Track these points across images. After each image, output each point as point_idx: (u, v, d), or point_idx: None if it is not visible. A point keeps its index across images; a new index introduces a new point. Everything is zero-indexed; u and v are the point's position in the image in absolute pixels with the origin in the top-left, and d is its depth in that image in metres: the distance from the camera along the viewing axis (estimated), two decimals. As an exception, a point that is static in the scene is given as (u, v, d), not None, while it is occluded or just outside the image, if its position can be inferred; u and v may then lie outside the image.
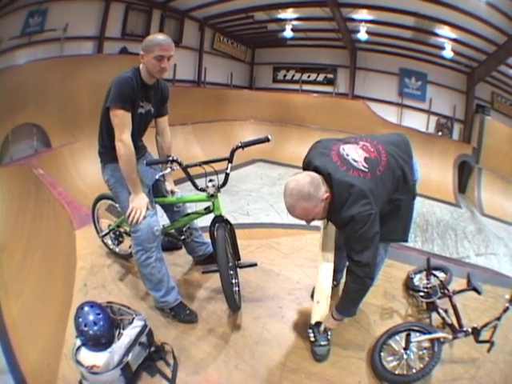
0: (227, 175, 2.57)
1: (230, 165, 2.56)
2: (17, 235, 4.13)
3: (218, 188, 2.56)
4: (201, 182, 2.60)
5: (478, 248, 7.34)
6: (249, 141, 2.59)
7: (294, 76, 14.92)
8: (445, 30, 10.03)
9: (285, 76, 15.17)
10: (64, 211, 3.95)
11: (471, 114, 12.08)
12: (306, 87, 14.27)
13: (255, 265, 2.75)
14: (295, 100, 12.93)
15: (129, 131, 2.39)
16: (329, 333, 2.32)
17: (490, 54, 9.99)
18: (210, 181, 2.54)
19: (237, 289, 2.69)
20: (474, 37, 9.50)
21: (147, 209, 2.48)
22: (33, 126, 7.08)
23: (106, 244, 3.32)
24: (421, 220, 8.06)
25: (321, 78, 14.27)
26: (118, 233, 3.16)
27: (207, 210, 2.66)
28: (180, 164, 2.52)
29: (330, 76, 14.09)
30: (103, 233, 3.22)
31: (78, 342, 2.05)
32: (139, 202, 2.46)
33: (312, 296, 2.74)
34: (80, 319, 2.02)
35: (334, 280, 2.87)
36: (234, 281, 2.65)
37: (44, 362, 2.35)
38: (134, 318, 2.19)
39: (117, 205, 2.83)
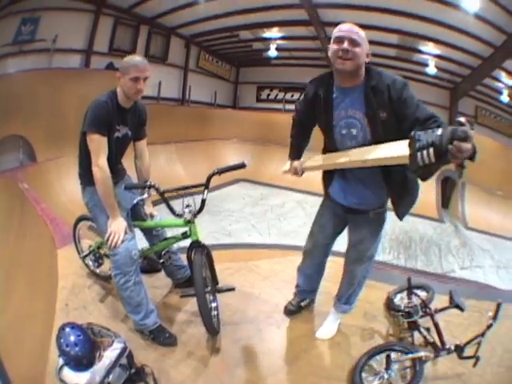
0: (203, 201, 2.58)
1: (206, 191, 2.58)
2: (1, 252, 4.10)
3: (195, 214, 2.58)
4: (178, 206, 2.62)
5: (463, 262, 7.39)
6: (225, 167, 2.62)
7: (277, 95, 15.15)
8: (429, 47, 10.18)
9: (268, 95, 15.38)
10: (47, 229, 3.94)
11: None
12: (289, 107, 14.32)
13: (233, 289, 2.75)
14: (278, 119, 12.79)
15: (105, 156, 2.40)
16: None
17: (475, 67, 10.15)
18: (187, 206, 2.56)
19: (215, 313, 2.69)
20: (459, 51, 9.64)
21: (125, 233, 2.47)
22: (19, 138, 7.01)
23: (86, 265, 3.29)
24: (404, 237, 8.10)
25: (304, 97, 14.52)
26: (98, 255, 3.13)
27: (184, 235, 2.67)
28: (157, 190, 2.55)
29: (314, 95, 14.31)
30: (84, 254, 3.21)
31: (61, 361, 2.04)
32: (117, 226, 2.45)
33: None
34: (62, 340, 2.03)
35: (308, 298, 3.00)
36: (212, 305, 2.65)
37: (30, 378, 2.31)
38: (113, 341, 2.17)
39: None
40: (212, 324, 2.52)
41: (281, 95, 15.04)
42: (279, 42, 12.38)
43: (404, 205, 2.30)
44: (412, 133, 1.68)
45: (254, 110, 14.67)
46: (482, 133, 11.91)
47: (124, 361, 2.18)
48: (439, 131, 1.60)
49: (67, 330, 2.06)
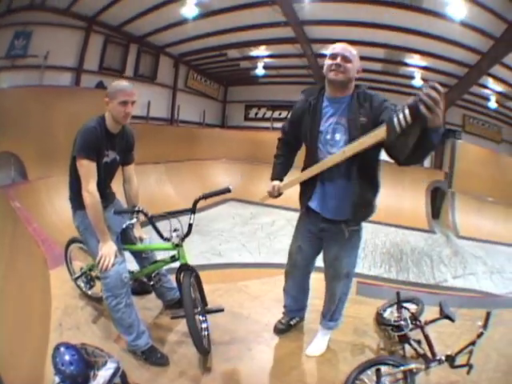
0: (190, 226, 2.64)
1: (193, 216, 2.65)
2: None
3: (182, 238, 2.64)
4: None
5: (456, 270, 7.48)
6: (210, 192, 2.72)
7: (265, 114, 15.31)
8: (415, 59, 10.29)
9: (256, 114, 15.53)
10: (39, 250, 3.95)
11: (442, 140, 12.33)
12: (277, 125, 14.47)
13: (222, 310, 2.78)
14: (266, 138, 12.89)
15: (94, 181, 2.46)
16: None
17: (461, 76, 10.25)
18: (175, 230, 2.62)
19: (206, 333, 2.71)
20: (445, 61, 9.76)
21: (115, 256, 2.51)
22: (11, 155, 7.01)
23: (78, 286, 3.30)
24: (394, 250, 8.20)
25: (291, 115, 14.69)
26: (89, 277, 3.16)
27: (173, 259, 2.73)
28: (146, 214, 2.61)
29: (301, 113, 14.48)
30: (76, 275, 3.24)
31: (57, 379, 2.07)
32: (107, 250, 2.49)
33: None
34: (57, 359, 2.07)
35: (297, 317, 3.04)
36: (202, 325, 2.68)
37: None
38: (107, 360, 2.20)
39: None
40: (202, 344, 2.54)
41: (268, 113, 15.21)
42: (266, 60, 12.53)
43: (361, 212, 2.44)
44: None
45: (242, 129, 14.82)
46: (471, 141, 12.20)
47: (118, 380, 2.21)
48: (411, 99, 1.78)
49: (62, 349, 2.10)
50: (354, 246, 2.59)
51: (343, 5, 7.97)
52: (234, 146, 13.04)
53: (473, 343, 2.39)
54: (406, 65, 10.76)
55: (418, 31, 8.52)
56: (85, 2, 8.30)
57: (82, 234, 2.71)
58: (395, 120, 1.83)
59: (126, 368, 2.32)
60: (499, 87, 10.52)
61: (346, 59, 2.23)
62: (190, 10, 8.96)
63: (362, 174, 2.30)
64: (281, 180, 2.70)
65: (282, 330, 3.00)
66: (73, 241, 3.26)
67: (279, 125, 14.26)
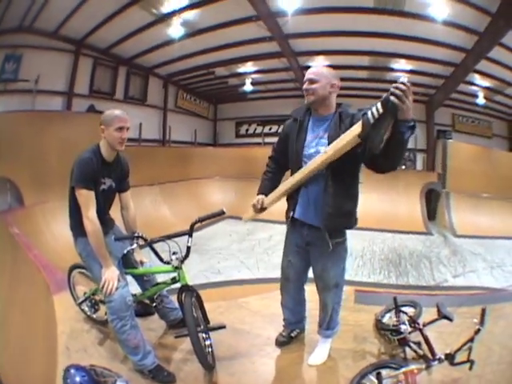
0: (189, 248, 2.76)
1: (190, 239, 2.77)
2: None
3: (182, 261, 2.74)
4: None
5: (455, 270, 7.47)
6: (206, 215, 2.82)
7: (255, 129, 15.39)
8: (400, 63, 10.36)
9: (247, 130, 15.60)
10: (41, 275, 3.95)
11: (433, 141, 12.54)
12: (268, 140, 14.62)
13: (224, 327, 2.82)
14: (258, 154, 12.80)
15: (94, 208, 2.56)
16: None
17: (448, 76, 10.34)
18: (174, 253, 2.72)
19: (210, 350, 2.77)
20: (430, 63, 9.81)
21: (118, 280, 2.60)
22: (7, 181, 7.01)
23: (83, 310, 3.35)
24: (393, 255, 8.21)
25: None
26: (93, 301, 3.21)
27: (174, 280, 2.81)
28: (145, 240, 2.71)
29: (291, 126, 14.56)
30: (79, 300, 3.29)
31: None
32: (110, 275, 2.57)
33: None
34: (68, 380, 2.14)
35: (297, 328, 3.12)
36: (206, 342, 2.75)
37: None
38: (116, 380, 2.26)
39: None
40: (207, 360, 2.60)
41: (259, 129, 15.29)
42: (254, 75, 12.62)
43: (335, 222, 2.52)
44: None
45: (233, 146, 14.94)
46: (462, 140, 12.32)
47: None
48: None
49: (72, 371, 2.18)
50: (340, 257, 2.68)
51: (326, 16, 8.02)
52: (227, 164, 13.07)
53: (471, 340, 2.46)
54: (392, 70, 10.84)
55: (402, 35, 8.57)
56: (72, 25, 8.34)
57: (84, 261, 2.80)
58: (369, 113, 2.06)
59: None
60: (486, 82, 10.62)
61: (311, 81, 2.46)
62: (176, 30, 9.02)
63: (338, 185, 2.44)
64: (265, 195, 2.79)
65: (283, 342, 3.07)
66: (75, 267, 3.33)
67: (270, 140, 14.23)
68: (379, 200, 10.79)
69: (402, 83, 1.91)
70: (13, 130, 7.05)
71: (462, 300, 3.77)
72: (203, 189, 11.45)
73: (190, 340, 2.53)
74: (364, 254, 8.00)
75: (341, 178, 2.43)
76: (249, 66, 11.87)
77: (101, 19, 8.43)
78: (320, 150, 2.43)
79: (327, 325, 2.85)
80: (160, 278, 3.03)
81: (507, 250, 8.79)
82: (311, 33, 9.01)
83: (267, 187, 2.81)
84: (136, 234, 2.71)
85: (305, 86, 2.49)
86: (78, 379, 2.13)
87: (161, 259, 2.76)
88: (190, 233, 2.76)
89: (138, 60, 11.25)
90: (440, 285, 6.70)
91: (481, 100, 11.78)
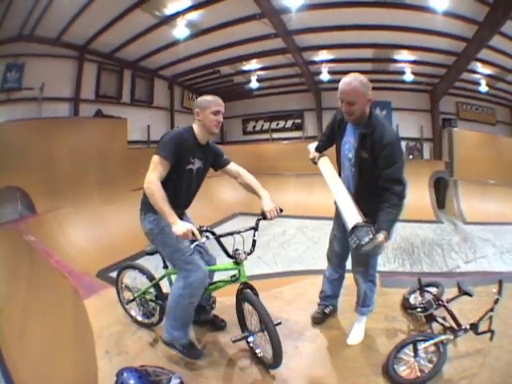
0: (254, 242, 2.80)
1: (256, 232, 2.80)
2: (12, 300, 4.20)
3: (247, 255, 2.75)
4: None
5: (466, 256, 7.60)
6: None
7: (263, 126, 15.36)
8: (403, 54, 10.42)
9: (254, 127, 15.59)
10: (66, 280, 4.00)
11: (438, 130, 12.55)
12: (275, 135, 14.70)
13: (280, 323, 2.65)
14: (266, 149, 13.22)
15: (158, 174, 2.49)
16: (370, 229, 2.48)
17: (450, 65, 10.39)
18: (236, 250, 2.72)
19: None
20: (433, 53, 9.88)
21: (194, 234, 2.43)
22: (16, 190, 7.05)
23: (127, 312, 3.34)
24: (405, 244, 8.30)
25: (289, 124, 14.72)
26: (143, 299, 3.21)
27: (233, 278, 2.79)
28: (213, 234, 2.65)
29: (298, 121, 14.52)
30: (127, 300, 3.32)
31: None
32: (184, 226, 2.38)
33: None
34: None
35: (330, 305, 3.29)
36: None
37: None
38: (171, 377, 2.25)
39: (161, 256, 2.95)
40: (281, 354, 2.53)
41: (266, 125, 15.26)
42: (259, 72, 12.64)
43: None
44: (356, 223, 2.48)
45: (241, 144, 14.87)
46: (466, 127, 12.32)
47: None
48: (365, 239, 2.40)
49: (125, 374, 2.17)
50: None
51: (329, 10, 8.13)
52: (236, 161, 12.78)
53: (491, 309, 2.69)
54: (396, 61, 10.88)
55: (404, 27, 8.64)
56: (74, 31, 8.33)
57: (155, 238, 2.74)
58: (350, 239, 2.49)
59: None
60: (488, 70, 10.65)
61: (350, 103, 2.56)
62: (180, 31, 9.03)
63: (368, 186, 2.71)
64: (319, 152, 3.26)
65: (318, 318, 3.23)
66: (125, 267, 3.35)
67: (278, 135, 14.47)
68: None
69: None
70: (21, 139, 7.10)
71: (477, 280, 3.94)
72: (215, 187, 11.40)
73: (268, 335, 2.51)
74: (377, 243, 8.00)
75: (370, 180, 2.67)
76: (254, 64, 11.91)
77: (103, 24, 8.50)
78: (348, 155, 2.77)
79: (362, 302, 2.99)
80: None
81: (515, 235, 8.84)
82: (315, 28, 9.09)
83: (320, 147, 3.27)
84: (204, 228, 2.53)
85: (344, 109, 2.61)
86: (132, 382, 2.12)
87: (227, 253, 2.73)
88: (255, 228, 2.79)
89: (143, 62, 11.29)
90: (453, 271, 6.80)
91: (483, 88, 11.78)
